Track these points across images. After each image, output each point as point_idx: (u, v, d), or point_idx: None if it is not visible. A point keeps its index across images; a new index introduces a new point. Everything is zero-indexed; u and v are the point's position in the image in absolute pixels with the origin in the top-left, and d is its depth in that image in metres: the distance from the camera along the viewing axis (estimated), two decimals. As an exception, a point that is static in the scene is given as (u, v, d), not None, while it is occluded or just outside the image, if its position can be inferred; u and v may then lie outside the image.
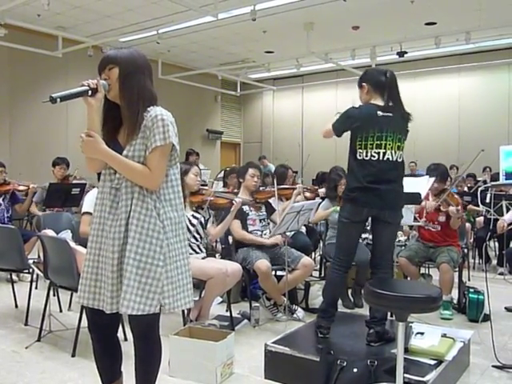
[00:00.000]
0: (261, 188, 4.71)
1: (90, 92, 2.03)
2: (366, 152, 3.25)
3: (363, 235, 4.66)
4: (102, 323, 2.16)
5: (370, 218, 3.42)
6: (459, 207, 4.49)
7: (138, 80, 2.08)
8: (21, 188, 5.86)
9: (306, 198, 5.26)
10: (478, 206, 6.52)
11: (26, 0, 7.35)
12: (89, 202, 4.36)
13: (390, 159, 3.26)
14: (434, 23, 9.60)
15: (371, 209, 3.28)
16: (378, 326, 3.24)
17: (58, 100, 1.96)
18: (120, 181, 2.06)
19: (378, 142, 3.23)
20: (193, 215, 4.03)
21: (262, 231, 4.42)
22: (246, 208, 4.39)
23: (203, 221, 4.09)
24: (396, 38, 9.88)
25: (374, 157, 3.24)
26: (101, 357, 2.23)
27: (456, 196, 4.79)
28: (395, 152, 3.28)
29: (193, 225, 3.99)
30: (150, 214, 2.02)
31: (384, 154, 3.24)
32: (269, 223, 4.55)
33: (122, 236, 2.02)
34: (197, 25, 9.18)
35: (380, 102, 3.28)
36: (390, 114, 3.26)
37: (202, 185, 4.51)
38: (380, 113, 3.24)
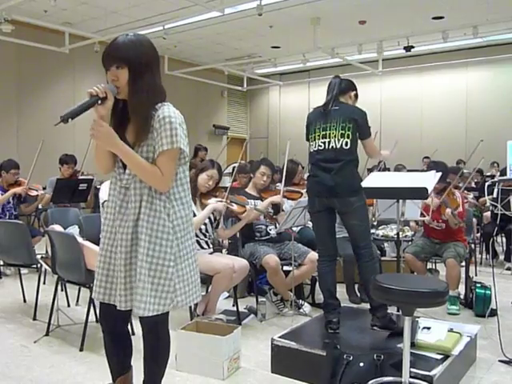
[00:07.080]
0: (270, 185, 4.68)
1: (99, 101, 1.96)
2: (315, 143, 3.50)
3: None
4: (113, 317, 2.18)
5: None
6: (456, 211, 4.49)
7: (148, 79, 2.02)
8: (33, 194, 5.80)
9: None
10: (485, 201, 6.49)
11: (32, -4, 7.38)
12: (105, 191, 4.39)
13: (334, 147, 3.43)
14: (442, 17, 9.53)
15: (320, 198, 3.44)
16: (379, 312, 3.32)
17: (70, 120, 1.88)
18: (129, 181, 2.05)
19: (324, 133, 3.46)
20: None
21: (267, 226, 4.41)
22: (250, 202, 4.37)
23: (213, 220, 4.07)
24: (403, 33, 9.82)
25: (321, 146, 3.46)
26: (111, 349, 2.25)
27: (457, 195, 4.75)
28: (338, 140, 3.43)
29: (204, 223, 3.99)
30: (159, 215, 2.02)
31: (329, 142, 3.44)
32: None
33: (130, 237, 2.03)
34: (203, 20, 9.17)
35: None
36: (337, 108, 3.52)
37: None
38: (324, 108, 3.55)
